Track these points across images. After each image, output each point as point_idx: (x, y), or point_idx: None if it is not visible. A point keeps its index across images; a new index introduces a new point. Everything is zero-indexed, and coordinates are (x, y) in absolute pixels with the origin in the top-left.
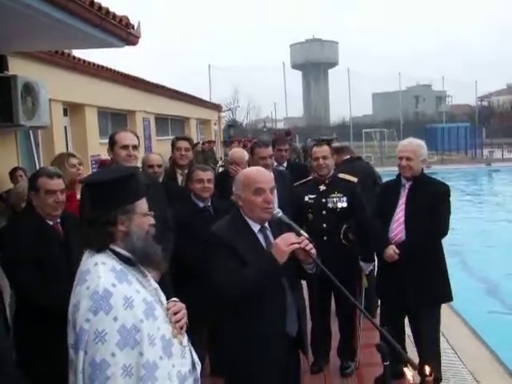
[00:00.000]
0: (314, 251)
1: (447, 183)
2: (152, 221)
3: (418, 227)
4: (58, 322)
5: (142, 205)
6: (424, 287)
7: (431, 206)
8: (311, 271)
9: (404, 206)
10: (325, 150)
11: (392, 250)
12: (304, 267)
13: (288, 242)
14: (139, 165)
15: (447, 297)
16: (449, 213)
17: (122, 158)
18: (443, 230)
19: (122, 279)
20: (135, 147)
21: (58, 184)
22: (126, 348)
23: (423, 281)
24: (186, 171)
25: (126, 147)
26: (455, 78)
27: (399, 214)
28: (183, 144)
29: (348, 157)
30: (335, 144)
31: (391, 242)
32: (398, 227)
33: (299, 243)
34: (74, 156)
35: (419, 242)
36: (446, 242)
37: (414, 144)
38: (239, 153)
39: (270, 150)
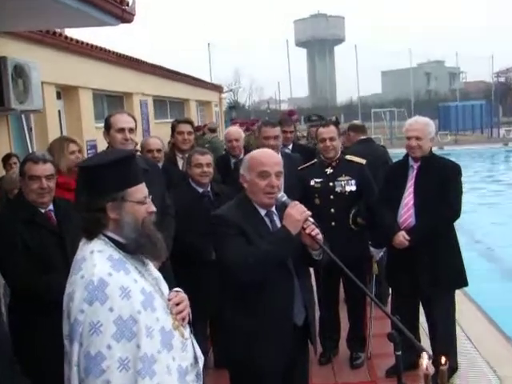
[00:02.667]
0: (320, 237)
1: (460, 164)
2: (152, 208)
3: (428, 211)
4: (51, 312)
5: (137, 192)
6: (438, 272)
7: (441, 187)
8: (318, 258)
9: (412, 188)
10: (332, 130)
11: (402, 237)
12: (311, 253)
13: (301, 210)
14: (138, 148)
15: (462, 281)
16: (460, 193)
17: (119, 142)
18: (455, 212)
19: (118, 268)
20: (132, 130)
21: (42, 169)
22: (123, 340)
23: (437, 266)
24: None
25: (121, 130)
26: (469, 53)
27: (408, 197)
28: (185, 128)
29: (365, 137)
30: (355, 122)
31: (400, 228)
32: (407, 212)
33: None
34: (74, 142)
35: (430, 227)
36: (460, 225)
37: (422, 122)
38: (235, 129)
39: (276, 131)
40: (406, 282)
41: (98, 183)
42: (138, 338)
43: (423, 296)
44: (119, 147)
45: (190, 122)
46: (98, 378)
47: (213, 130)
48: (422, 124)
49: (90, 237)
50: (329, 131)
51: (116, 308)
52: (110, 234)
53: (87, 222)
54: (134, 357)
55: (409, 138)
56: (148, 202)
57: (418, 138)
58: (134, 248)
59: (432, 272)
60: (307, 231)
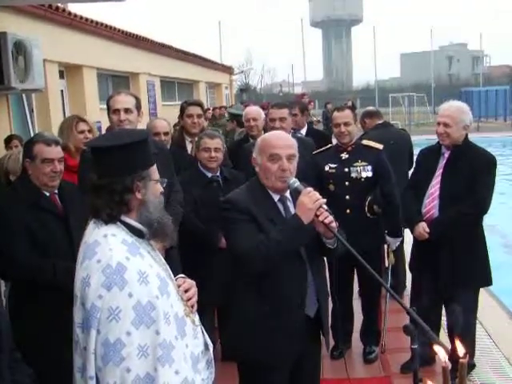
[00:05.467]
0: (334, 224)
1: None
2: (161, 189)
3: (453, 204)
4: (54, 298)
5: (156, 171)
6: (460, 269)
7: (471, 179)
8: (332, 246)
9: (440, 178)
10: (346, 115)
11: (421, 228)
12: (324, 242)
13: (314, 198)
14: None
15: (486, 280)
16: (491, 188)
17: (115, 124)
18: (481, 208)
19: (134, 252)
20: (128, 110)
21: (56, 152)
22: (142, 326)
23: (458, 262)
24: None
25: (116, 111)
26: (494, 36)
27: (434, 187)
28: (195, 110)
29: (381, 121)
30: (368, 108)
31: (423, 219)
32: (431, 202)
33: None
34: (84, 121)
35: (452, 222)
36: (484, 219)
37: (454, 108)
38: (253, 108)
39: (281, 112)
40: (428, 276)
41: (124, 162)
42: (157, 324)
43: (444, 293)
44: (116, 129)
45: (199, 105)
46: (118, 365)
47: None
48: (454, 110)
49: (111, 220)
50: (343, 116)
51: (135, 293)
52: (123, 218)
53: (106, 204)
54: (153, 343)
55: (438, 124)
56: (161, 182)
57: (446, 125)
58: (155, 229)
59: (453, 269)
60: (320, 219)
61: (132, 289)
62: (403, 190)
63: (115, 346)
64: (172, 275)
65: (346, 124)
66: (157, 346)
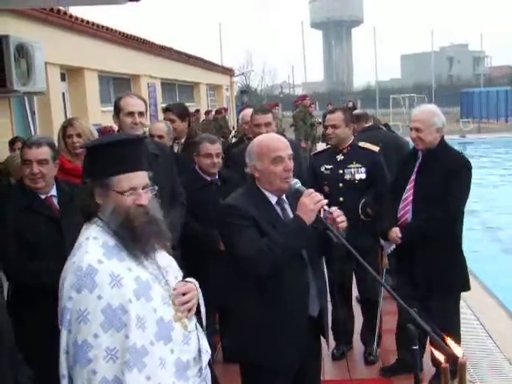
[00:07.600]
0: (344, 224)
1: (483, 155)
2: (141, 201)
3: (426, 207)
4: (46, 300)
5: (121, 181)
6: (432, 274)
7: (444, 181)
8: (336, 240)
9: (414, 181)
10: (335, 117)
11: (394, 233)
12: (329, 234)
13: (315, 200)
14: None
15: (462, 285)
16: (462, 191)
17: (128, 126)
18: (450, 213)
19: (111, 256)
20: (142, 114)
21: (35, 154)
22: (111, 330)
23: (431, 267)
24: (183, 140)
25: (131, 114)
26: (495, 36)
27: (408, 191)
28: (166, 115)
29: (369, 124)
30: (356, 111)
31: (398, 224)
32: (405, 207)
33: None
34: (71, 125)
35: (422, 227)
36: (485, 222)
37: (425, 112)
38: (250, 111)
39: (267, 117)
40: (405, 281)
41: (88, 166)
42: (127, 329)
43: (420, 297)
44: (128, 131)
45: (171, 110)
46: (85, 367)
47: None
48: (426, 114)
49: (86, 220)
50: (331, 118)
51: (105, 296)
52: (106, 220)
53: (80, 205)
54: (122, 348)
55: (410, 129)
56: (137, 194)
57: (417, 130)
58: (119, 236)
59: (426, 274)
60: (333, 215)
61: (102, 291)
62: (385, 194)
63: (82, 347)
64: (172, 278)
65: (333, 126)
66: (125, 350)
